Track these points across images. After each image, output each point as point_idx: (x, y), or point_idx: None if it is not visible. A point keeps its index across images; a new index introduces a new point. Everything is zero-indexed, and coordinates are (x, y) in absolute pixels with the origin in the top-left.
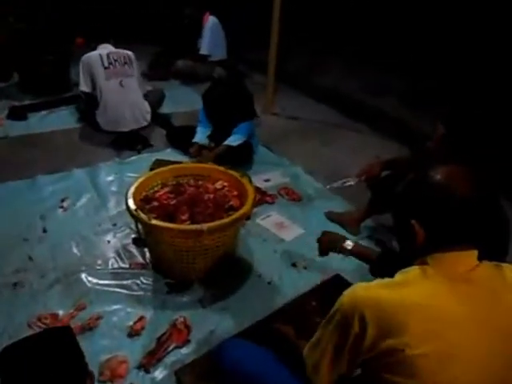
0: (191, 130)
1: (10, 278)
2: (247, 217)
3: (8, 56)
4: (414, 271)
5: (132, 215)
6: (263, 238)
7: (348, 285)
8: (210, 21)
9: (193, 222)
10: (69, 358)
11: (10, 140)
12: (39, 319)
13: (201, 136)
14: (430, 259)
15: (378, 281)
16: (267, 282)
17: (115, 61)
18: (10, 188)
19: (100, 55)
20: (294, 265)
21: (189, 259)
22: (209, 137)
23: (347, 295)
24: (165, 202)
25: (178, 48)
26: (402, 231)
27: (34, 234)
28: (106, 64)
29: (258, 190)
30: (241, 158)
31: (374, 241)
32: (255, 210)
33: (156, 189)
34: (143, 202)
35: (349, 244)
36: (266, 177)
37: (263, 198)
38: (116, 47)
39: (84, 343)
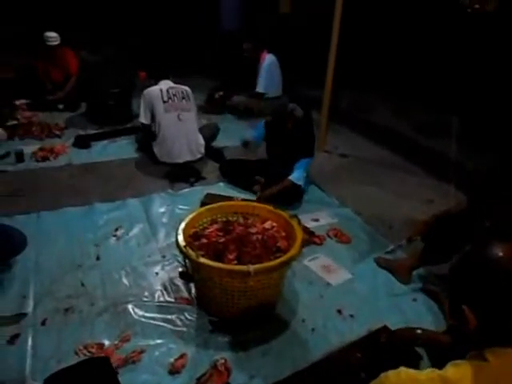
0: (244, 164)
1: (62, 304)
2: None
3: (78, 87)
4: (467, 367)
5: (181, 251)
6: (309, 281)
7: (396, 337)
8: (267, 59)
9: (239, 262)
10: None
11: (73, 167)
12: (85, 347)
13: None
14: (488, 353)
15: (429, 371)
16: (311, 329)
17: (174, 95)
18: (68, 214)
19: (160, 90)
20: (339, 311)
21: (234, 299)
22: (262, 169)
23: (393, 380)
24: (214, 239)
25: (235, 83)
26: (454, 313)
27: (87, 261)
28: (166, 98)
29: (306, 229)
30: (292, 196)
31: (426, 292)
32: (302, 250)
33: (206, 225)
34: (192, 238)
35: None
36: (315, 216)
37: (311, 238)
38: (175, 82)
39: (125, 376)
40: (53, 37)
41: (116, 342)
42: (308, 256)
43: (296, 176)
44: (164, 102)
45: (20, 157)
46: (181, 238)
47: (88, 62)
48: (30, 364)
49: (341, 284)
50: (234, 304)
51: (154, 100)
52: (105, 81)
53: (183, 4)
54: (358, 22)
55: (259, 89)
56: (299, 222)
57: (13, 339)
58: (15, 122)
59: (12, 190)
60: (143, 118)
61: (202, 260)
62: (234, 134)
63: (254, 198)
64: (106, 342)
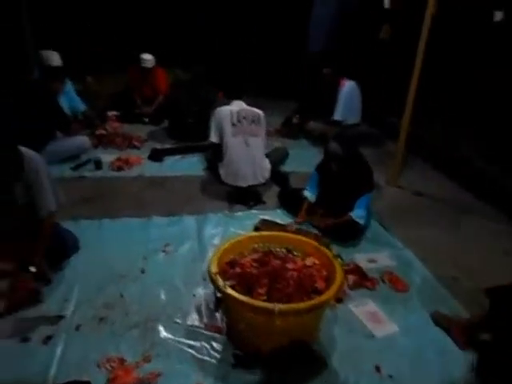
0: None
1: (98, 312)
2: (338, 299)
3: (165, 104)
4: None
5: (211, 278)
6: (350, 329)
7: None
8: (347, 86)
9: (269, 298)
10: None
11: (143, 179)
12: (108, 361)
13: (310, 195)
14: None
15: None
16: (341, 382)
17: (244, 118)
18: (126, 224)
19: (231, 111)
20: (377, 369)
21: (259, 335)
22: (318, 201)
23: None
24: (247, 270)
25: (313, 108)
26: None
27: (132, 273)
28: (235, 121)
29: (359, 270)
30: (350, 233)
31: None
32: (350, 292)
33: (246, 253)
34: (228, 265)
35: None
36: (372, 257)
37: (363, 281)
38: (251, 103)
39: None
40: (148, 60)
41: (138, 360)
42: (355, 300)
43: (358, 214)
44: (233, 124)
45: (99, 165)
46: (214, 264)
47: (181, 80)
48: (55, 367)
49: (385, 337)
50: (259, 341)
51: (223, 121)
52: (188, 98)
53: (269, 25)
54: (451, 55)
55: (336, 116)
56: (343, 264)
57: (46, 340)
58: (103, 132)
59: (85, 196)
60: (213, 137)
61: (229, 290)
62: (305, 161)
63: (309, 228)
64: (129, 359)
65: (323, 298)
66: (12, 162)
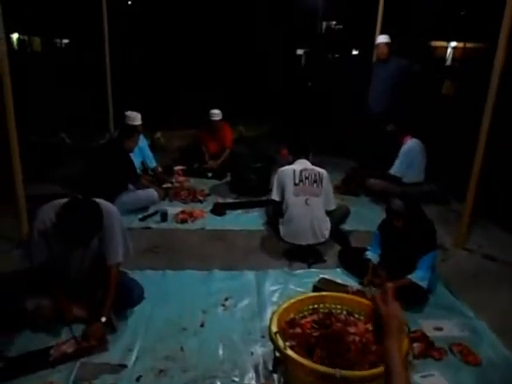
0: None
1: (159, 364)
2: None
3: (229, 160)
4: None
5: (271, 338)
6: None
7: None
8: (409, 143)
9: (329, 363)
10: None
11: (205, 232)
12: None
13: (373, 255)
14: None
15: None
16: None
17: (306, 178)
18: (189, 276)
19: (294, 171)
20: None
21: None
22: (380, 262)
23: None
24: (308, 331)
25: (374, 165)
26: None
27: (192, 326)
28: (297, 181)
29: (424, 339)
30: (412, 297)
31: None
32: (416, 362)
33: (306, 313)
34: (288, 324)
35: None
36: (439, 325)
37: (429, 350)
38: (314, 162)
39: None
40: (216, 113)
41: None
42: (421, 371)
43: (420, 275)
44: (295, 184)
45: (164, 217)
46: (274, 323)
47: (244, 136)
48: None
49: None
50: None
51: (286, 179)
52: (251, 154)
53: (331, 85)
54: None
55: (392, 170)
56: (408, 331)
57: None
58: (169, 185)
59: (150, 247)
60: (275, 195)
61: (288, 352)
62: (366, 219)
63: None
64: None
65: None
66: (94, 218)
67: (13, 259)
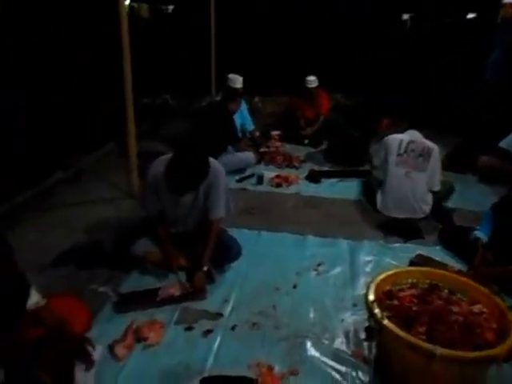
0: (469, 233)
1: (252, 317)
2: (507, 358)
3: (325, 127)
4: None
5: (367, 306)
6: None
7: None
8: None
9: (429, 339)
10: None
11: (299, 198)
12: (258, 364)
13: (483, 236)
14: None
15: None
16: None
17: (412, 151)
18: (282, 238)
19: (400, 140)
20: None
21: (410, 377)
22: (488, 245)
23: None
24: (407, 304)
25: (482, 142)
26: None
27: (285, 286)
28: (402, 151)
29: None
30: None
31: None
32: None
33: (404, 287)
34: (385, 295)
35: None
36: None
37: None
38: (427, 135)
39: None
40: (312, 80)
41: (284, 371)
42: None
43: None
44: (398, 154)
45: (260, 180)
46: (372, 291)
47: (340, 105)
48: (212, 359)
49: None
50: (412, 381)
51: (390, 148)
52: (348, 123)
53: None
54: None
55: (502, 143)
56: None
57: (206, 333)
58: (266, 150)
59: (246, 207)
60: (376, 161)
61: (386, 322)
62: (472, 198)
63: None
64: (276, 368)
65: (496, 351)
66: (202, 164)
67: (123, 207)
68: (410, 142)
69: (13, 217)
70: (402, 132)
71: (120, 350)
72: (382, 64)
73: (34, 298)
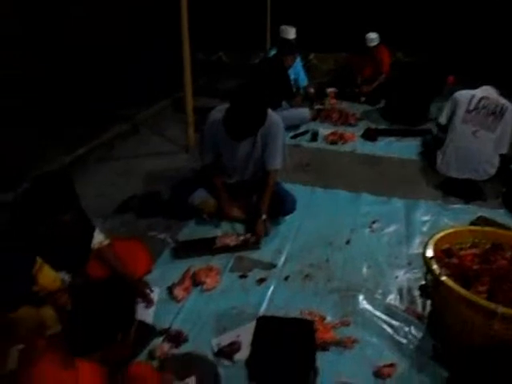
0: None
1: (305, 269)
2: None
3: (384, 85)
4: None
5: (425, 262)
6: None
7: None
8: None
9: (490, 298)
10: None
11: (355, 155)
12: (310, 314)
13: None
14: None
15: None
16: None
17: (483, 108)
18: (338, 196)
19: (472, 96)
20: None
21: (470, 335)
22: None
23: None
24: (467, 263)
25: None
26: None
27: (338, 241)
28: (472, 107)
29: None
30: None
31: None
32: None
33: (464, 246)
34: (444, 253)
35: None
36: None
37: None
38: (501, 93)
39: (330, 357)
40: (373, 38)
41: (336, 322)
42: None
43: None
44: (467, 111)
45: (315, 136)
46: (430, 248)
47: (401, 63)
48: (265, 305)
49: None
50: (467, 341)
51: (460, 103)
52: (409, 81)
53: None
54: None
55: None
56: None
57: (260, 281)
58: (321, 107)
59: (301, 163)
60: (443, 118)
61: (445, 279)
62: None
63: None
64: (328, 318)
65: None
66: (260, 109)
67: (180, 161)
68: (483, 98)
69: (76, 168)
70: (474, 88)
71: (179, 292)
72: (450, 19)
73: (99, 238)
